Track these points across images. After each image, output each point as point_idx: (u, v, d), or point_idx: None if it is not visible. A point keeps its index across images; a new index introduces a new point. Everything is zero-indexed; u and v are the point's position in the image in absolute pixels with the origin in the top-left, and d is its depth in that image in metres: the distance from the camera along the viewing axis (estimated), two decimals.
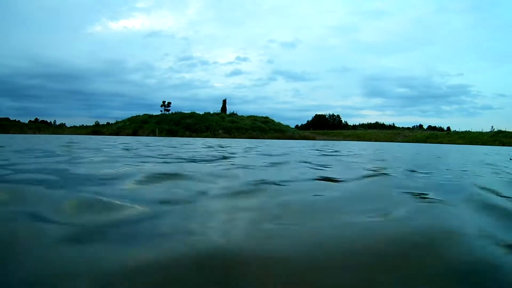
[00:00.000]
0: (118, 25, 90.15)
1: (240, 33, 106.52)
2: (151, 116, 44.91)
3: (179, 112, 44.61)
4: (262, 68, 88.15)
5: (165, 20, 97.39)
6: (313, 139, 42.06)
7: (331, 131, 51.92)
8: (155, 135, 36.74)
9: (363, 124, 60.87)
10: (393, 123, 59.77)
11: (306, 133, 45.89)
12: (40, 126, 44.96)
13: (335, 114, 62.99)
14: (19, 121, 45.43)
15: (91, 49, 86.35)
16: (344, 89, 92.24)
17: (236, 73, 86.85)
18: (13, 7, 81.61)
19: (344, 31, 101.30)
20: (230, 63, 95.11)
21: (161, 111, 47.95)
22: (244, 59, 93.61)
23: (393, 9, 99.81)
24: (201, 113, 43.98)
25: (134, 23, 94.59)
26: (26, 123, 45.59)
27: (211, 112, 45.42)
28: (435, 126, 58.49)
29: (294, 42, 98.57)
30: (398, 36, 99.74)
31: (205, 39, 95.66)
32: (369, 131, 53.12)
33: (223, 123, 41.28)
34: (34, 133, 37.38)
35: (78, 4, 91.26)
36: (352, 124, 61.10)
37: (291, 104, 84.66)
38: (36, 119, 51.44)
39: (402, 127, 57.12)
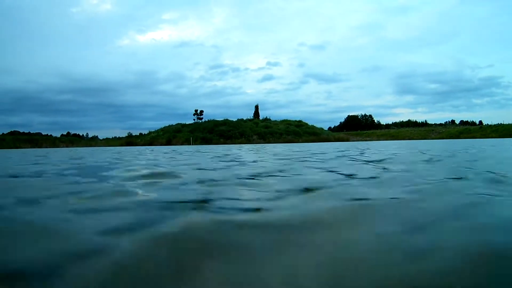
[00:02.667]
0: (146, 38, 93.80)
1: (269, 38, 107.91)
2: (184, 125, 45.91)
3: (212, 120, 45.39)
4: (293, 72, 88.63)
5: (193, 30, 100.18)
6: (347, 140, 41.53)
7: (365, 132, 51.07)
8: (189, 144, 37.46)
9: (395, 122, 59.72)
10: (426, 120, 58.39)
11: (341, 134, 45.38)
12: (72, 139, 46.48)
13: (368, 114, 62.19)
14: (51, 135, 47.42)
15: (121, 62, 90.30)
16: (376, 88, 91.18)
17: (268, 78, 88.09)
18: (42, 26, 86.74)
19: (370, 29, 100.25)
20: (261, 68, 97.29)
21: (194, 119, 49.08)
22: (275, 64, 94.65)
23: (416, 4, 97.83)
24: (234, 120, 44.67)
25: (162, 34, 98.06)
26: (58, 137, 47.44)
27: (244, 119, 45.98)
28: (467, 121, 56.46)
29: (323, 44, 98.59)
30: (424, 31, 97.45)
31: (234, 46, 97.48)
32: (402, 129, 51.90)
33: (257, 129, 41.55)
34: (66, 146, 38.74)
35: (105, 19, 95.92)
36: (385, 123, 60.14)
37: (324, 106, 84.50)
38: (68, 132, 53.50)
39: (435, 124, 55.69)
